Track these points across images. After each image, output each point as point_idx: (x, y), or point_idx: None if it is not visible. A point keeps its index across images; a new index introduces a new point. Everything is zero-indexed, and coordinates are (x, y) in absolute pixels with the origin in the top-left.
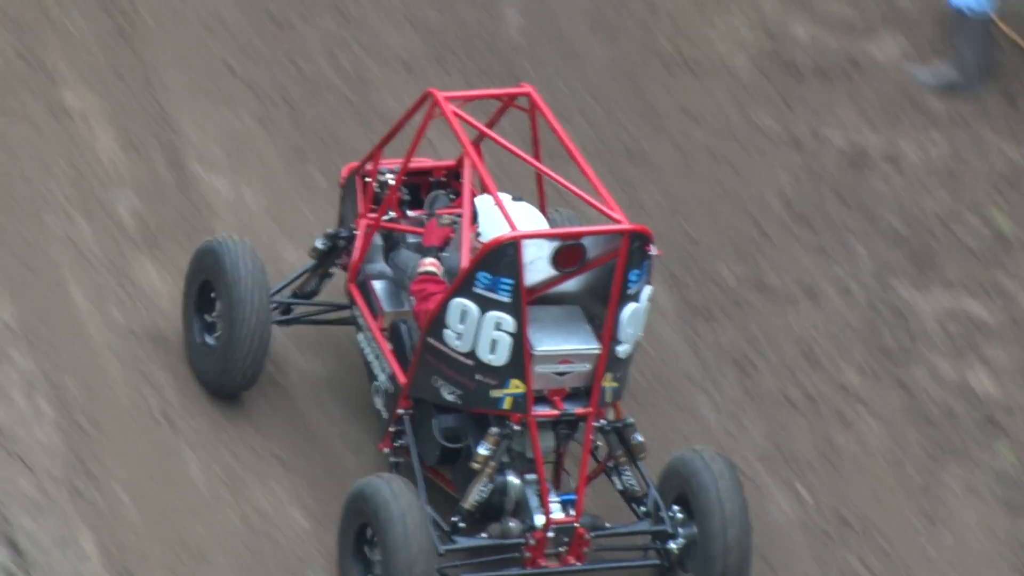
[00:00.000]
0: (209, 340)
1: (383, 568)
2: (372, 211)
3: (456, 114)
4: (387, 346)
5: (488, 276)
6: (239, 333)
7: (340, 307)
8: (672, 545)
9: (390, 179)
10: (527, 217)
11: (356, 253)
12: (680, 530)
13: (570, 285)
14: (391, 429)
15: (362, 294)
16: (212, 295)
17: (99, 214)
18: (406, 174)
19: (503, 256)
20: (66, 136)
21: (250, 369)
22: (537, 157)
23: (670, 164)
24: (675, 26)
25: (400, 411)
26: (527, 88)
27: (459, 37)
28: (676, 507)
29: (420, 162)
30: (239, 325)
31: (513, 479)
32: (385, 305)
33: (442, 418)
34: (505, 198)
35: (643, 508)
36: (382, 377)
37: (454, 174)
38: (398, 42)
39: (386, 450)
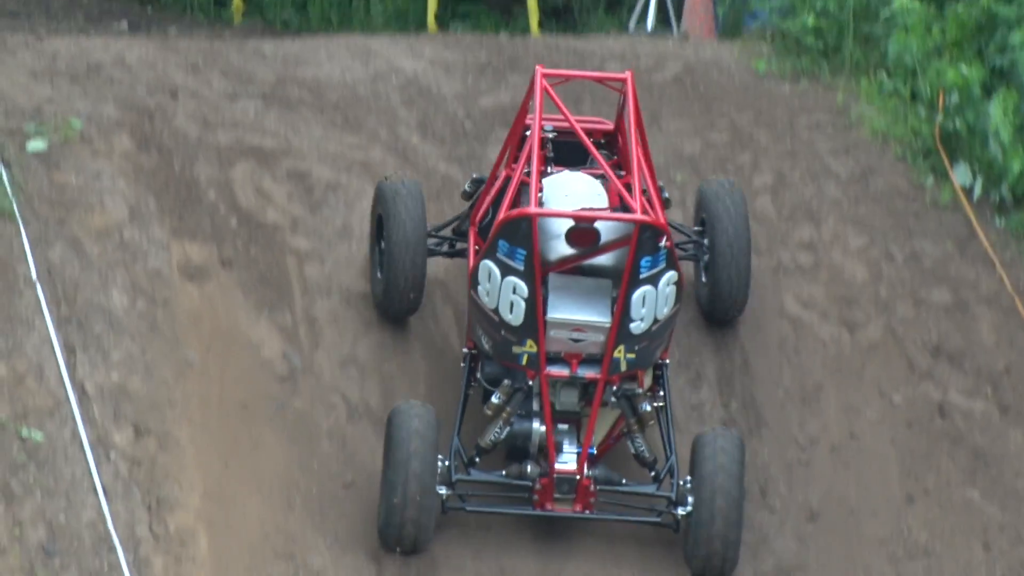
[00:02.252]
0: (380, 269)
1: (387, 478)
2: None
3: (546, 90)
4: None
5: (506, 244)
6: (396, 263)
7: None
8: (680, 511)
9: (547, 135)
10: (580, 187)
11: (476, 208)
12: (689, 498)
13: (606, 260)
14: (462, 364)
15: (479, 237)
16: (380, 231)
17: None
18: (566, 134)
19: (518, 229)
20: None
21: (409, 295)
22: (634, 136)
23: None
24: None
25: (465, 350)
26: (626, 75)
27: None
28: (689, 478)
29: (581, 123)
30: (396, 256)
31: (538, 427)
32: None
33: (487, 363)
34: (565, 173)
35: (653, 473)
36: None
37: (613, 137)
38: None
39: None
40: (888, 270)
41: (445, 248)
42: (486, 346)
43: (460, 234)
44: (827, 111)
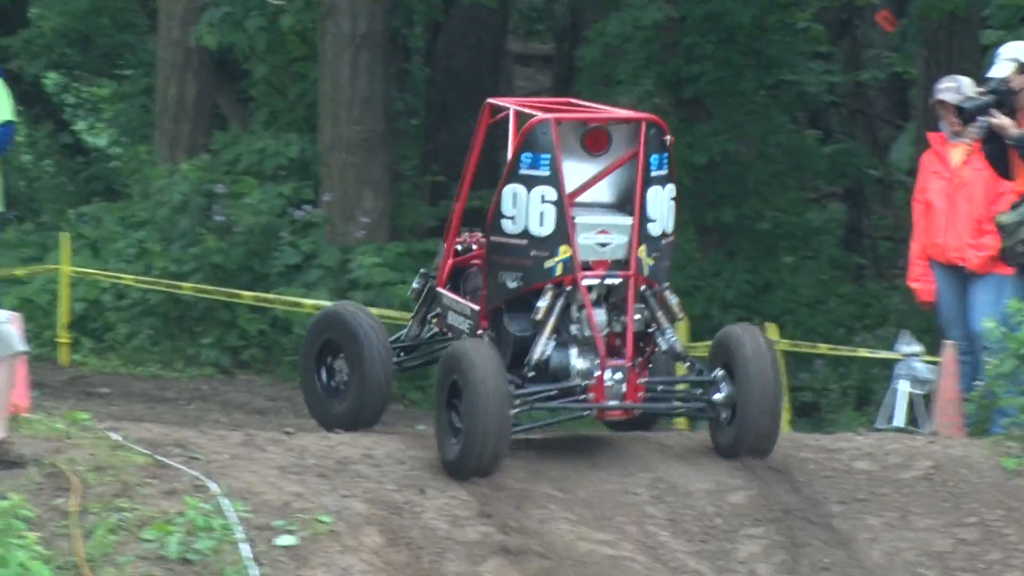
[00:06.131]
0: (337, 389)
1: (467, 406)
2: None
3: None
4: (464, 297)
5: (530, 155)
6: (370, 380)
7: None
8: (716, 396)
9: (474, 246)
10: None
11: (442, 270)
12: (722, 386)
13: (606, 195)
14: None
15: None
16: (333, 353)
17: None
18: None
19: (539, 135)
20: None
21: (380, 408)
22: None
23: None
24: None
25: (480, 332)
26: (569, 99)
27: None
28: (718, 370)
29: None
30: (369, 374)
31: (576, 356)
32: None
33: (513, 320)
34: None
35: (687, 364)
36: (465, 325)
37: None
38: None
39: None
40: None
41: (415, 362)
42: (512, 285)
43: (416, 339)
44: None
